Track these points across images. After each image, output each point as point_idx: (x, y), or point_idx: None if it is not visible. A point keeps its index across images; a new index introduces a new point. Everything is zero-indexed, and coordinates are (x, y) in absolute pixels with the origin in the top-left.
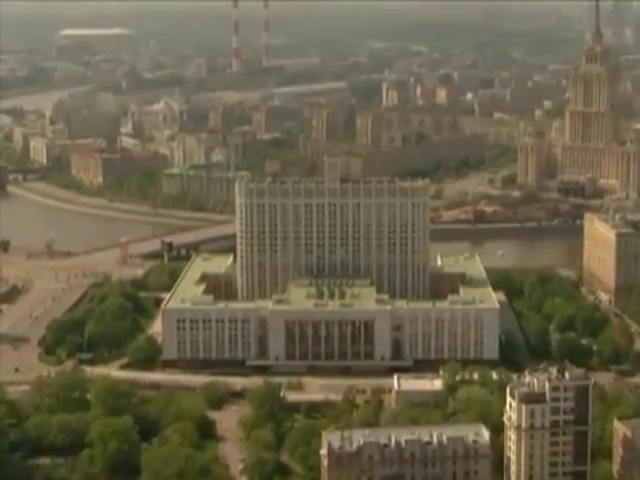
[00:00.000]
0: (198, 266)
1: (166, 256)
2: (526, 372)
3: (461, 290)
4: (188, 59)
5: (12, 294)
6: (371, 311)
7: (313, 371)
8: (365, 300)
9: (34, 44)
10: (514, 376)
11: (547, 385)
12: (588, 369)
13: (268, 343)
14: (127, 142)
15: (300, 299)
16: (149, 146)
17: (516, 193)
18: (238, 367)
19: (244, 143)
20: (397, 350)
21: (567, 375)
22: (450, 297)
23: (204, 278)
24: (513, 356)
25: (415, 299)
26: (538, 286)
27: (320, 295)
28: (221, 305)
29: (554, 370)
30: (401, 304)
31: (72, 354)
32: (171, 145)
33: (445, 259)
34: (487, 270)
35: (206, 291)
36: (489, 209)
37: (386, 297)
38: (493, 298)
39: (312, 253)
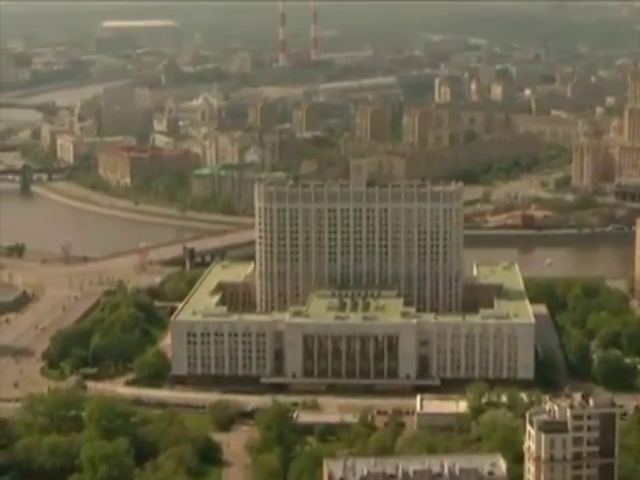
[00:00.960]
0: (216, 274)
1: (188, 263)
2: (546, 397)
3: (496, 303)
4: (233, 53)
5: (21, 302)
6: (395, 325)
7: (333, 390)
8: (390, 313)
9: (73, 37)
10: (546, 398)
11: (569, 413)
12: (632, 391)
13: (285, 359)
14: (160, 140)
15: (320, 311)
16: (182, 145)
17: (570, 197)
18: (252, 385)
19: (281, 142)
20: (423, 368)
21: (592, 402)
22: (482, 311)
23: (220, 288)
24: (550, 376)
25: (446, 312)
26: (583, 298)
27: (342, 307)
28: (235, 317)
29: (578, 396)
30: (428, 318)
31: (77, 368)
32: (203, 144)
33: (481, 269)
34: (531, 280)
35: (222, 302)
36: (539, 214)
37: (412, 310)
38: (529, 312)
39: (336, 262)
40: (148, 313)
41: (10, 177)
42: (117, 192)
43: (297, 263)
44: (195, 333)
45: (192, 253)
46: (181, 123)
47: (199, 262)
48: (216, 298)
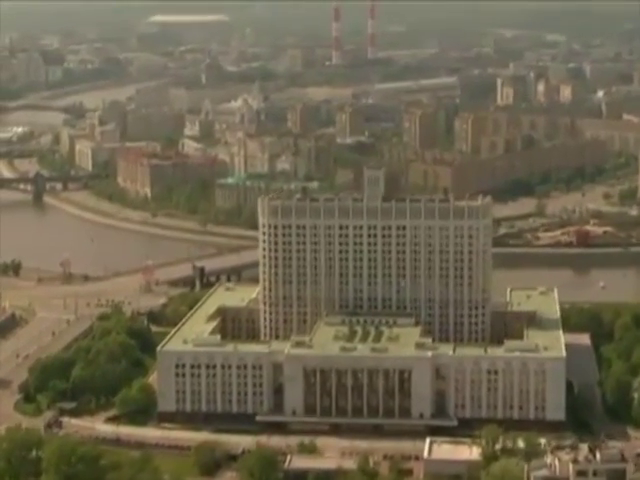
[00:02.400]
0: (218, 298)
1: (198, 283)
2: (549, 448)
3: (525, 333)
4: (284, 50)
5: (7, 326)
6: (408, 358)
7: (337, 430)
8: (403, 344)
9: (113, 33)
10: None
11: (572, 468)
12: None
13: (284, 395)
14: (189, 146)
15: (325, 341)
16: (212, 151)
17: (635, 211)
18: (247, 423)
19: (317, 148)
20: (440, 407)
21: (599, 455)
22: (507, 342)
23: (220, 313)
24: (586, 417)
25: (472, 343)
26: (632, 328)
27: (351, 337)
28: (229, 347)
29: (585, 448)
30: (445, 350)
31: (55, 402)
32: (231, 150)
33: (516, 294)
34: (575, 306)
35: (221, 329)
36: (598, 230)
37: (428, 341)
38: (561, 344)
39: (348, 285)
40: (143, 340)
41: (21, 186)
42: (135, 203)
43: (304, 286)
44: (184, 364)
45: (202, 272)
46: (217, 127)
47: (210, 282)
48: (212, 325)
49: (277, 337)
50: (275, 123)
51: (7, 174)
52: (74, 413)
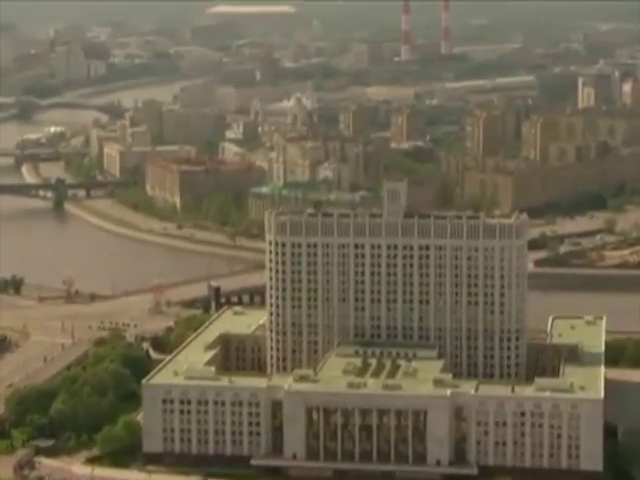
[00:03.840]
0: (222, 323)
1: (213, 304)
2: None
3: (562, 370)
4: (351, 45)
5: None
6: (423, 396)
7: (342, 477)
8: (421, 380)
9: (168, 24)
10: None
11: None
12: None
13: (283, 436)
14: (229, 150)
15: (332, 376)
16: (252, 156)
17: None
18: (242, 467)
19: (366, 154)
20: (458, 452)
21: None
22: (537, 380)
23: (222, 341)
24: (629, 468)
25: (504, 380)
26: None
27: (363, 371)
28: (223, 381)
29: None
30: (467, 388)
31: (32, 439)
32: (270, 156)
33: (559, 323)
34: (635, 337)
35: (222, 359)
36: None
37: (448, 377)
38: (599, 384)
39: (364, 311)
40: (139, 369)
41: (41, 193)
42: (162, 213)
43: (315, 312)
44: (172, 400)
45: (218, 293)
46: (266, 129)
47: (231, 304)
48: (210, 354)
49: (284, 369)
50: (328, 125)
51: (29, 179)
52: (50, 452)
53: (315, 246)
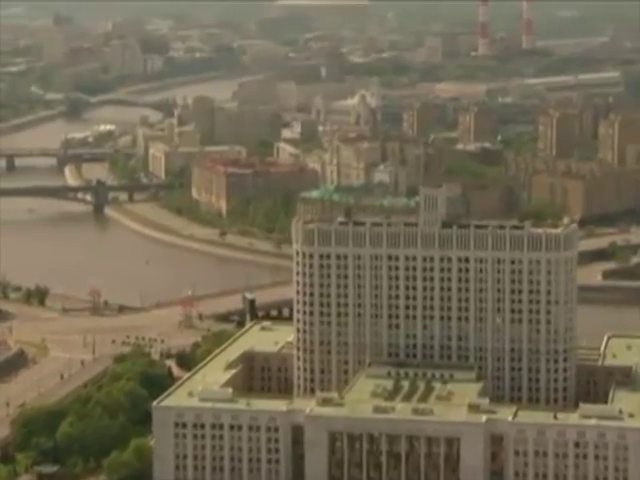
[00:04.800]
0: (248, 340)
1: (248, 317)
2: None
3: (612, 395)
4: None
5: (11, 367)
6: (456, 423)
7: None
8: (455, 404)
9: (233, 16)
10: None
11: None
12: None
13: (304, 464)
14: (284, 151)
15: (360, 399)
16: (308, 157)
17: None
18: None
19: (427, 156)
20: None
21: None
22: (582, 407)
23: (245, 359)
24: None
25: (549, 405)
26: None
27: (394, 393)
28: (240, 403)
29: None
30: (504, 414)
31: (37, 464)
32: (323, 158)
33: (615, 342)
34: None
35: (245, 379)
36: None
37: (485, 401)
38: None
39: (398, 329)
40: (160, 389)
41: (79, 196)
42: (206, 218)
43: (346, 329)
44: (185, 424)
45: (253, 305)
46: (327, 128)
47: (270, 317)
48: (230, 374)
49: (312, 391)
50: (392, 125)
51: (71, 181)
52: (54, 479)
53: (345, 257)
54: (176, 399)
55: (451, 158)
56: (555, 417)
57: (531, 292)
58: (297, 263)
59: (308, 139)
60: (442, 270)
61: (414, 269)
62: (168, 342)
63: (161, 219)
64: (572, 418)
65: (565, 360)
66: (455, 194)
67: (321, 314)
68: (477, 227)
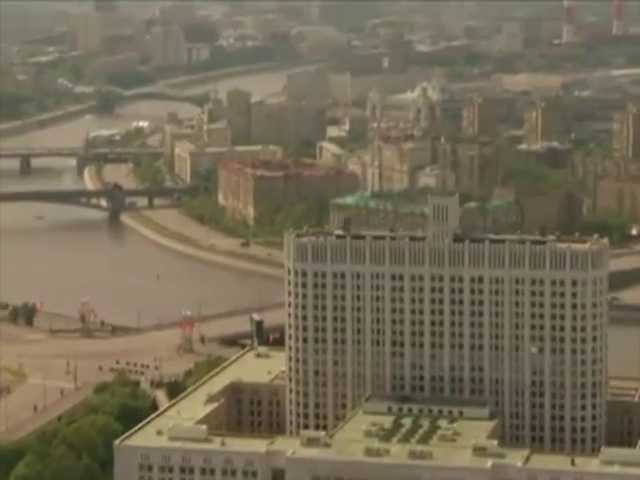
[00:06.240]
0: (239, 369)
1: (255, 341)
2: None
3: None
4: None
5: None
6: (457, 469)
7: None
8: (460, 446)
9: (292, 1)
10: None
11: None
12: None
13: None
14: (328, 151)
15: (351, 439)
16: (350, 159)
17: None
18: None
19: (483, 157)
20: None
21: None
22: (604, 451)
23: (231, 391)
24: None
25: (579, 446)
26: None
27: (391, 433)
28: (214, 443)
29: None
30: (515, 458)
31: None
32: (363, 160)
33: None
34: None
35: (229, 414)
36: None
37: (493, 443)
38: None
39: (403, 358)
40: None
41: (93, 201)
42: (231, 227)
43: (343, 358)
44: (151, 466)
45: (260, 327)
46: (383, 125)
47: (275, 340)
48: (210, 409)
49: (306, 427)
50: (452, 122)
51: (89, 184)
52: None
53: (343, 276)
54: (143, 437)
55: (512, 160)
56: (573, 463)
57: (554, 317)
58: (288, 282)
59: (357, 138)
60: (453, 291)
61: (421, 290)
62: (163, 369)
63: (181, 227)
64: (592, 464)
65: (594, 395)
66: (505, 201)
67: (316, 341)
68: (492, 242)
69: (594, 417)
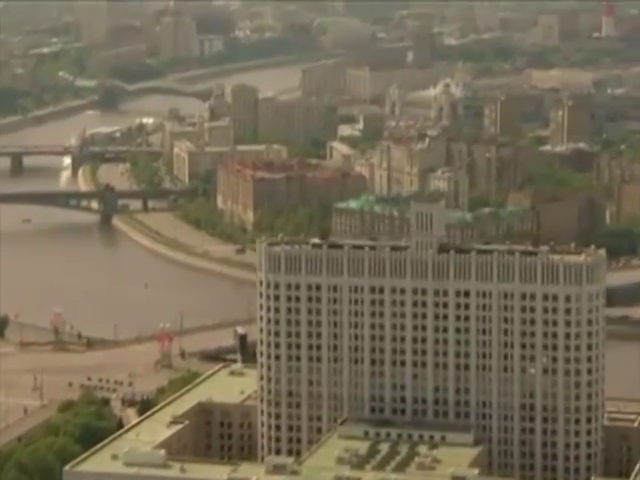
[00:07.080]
0: (210, 387)
1: (239, 356)
2: None
3: None
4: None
5: None
6: None
7: None
8: (437, 475)
9: None
10: None
11: None
12: None
13: None
14: (338, 151)
15: (320, 466)
16: (360, 160)
17: None
18: None
19: (500, 159)
20: None
21: None
22: None
23: (198, 412)
24: None
25: (572, 476)
26: None
27: (365, 459)
28: (173, 470)
29: None
30: None
31: None
32: (371, 161)
33: None
34: None
35: (197, 437)
36: None
37: (473, 473)
38: None
39: (383, 377)
40: None
41: (84, 204)
42: (228, 232)
43: (319, 377)
44: None
45: (244, 342)
46: (402, 124)
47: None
48: (172, 431)
49: (278, 452)
50: (475, 120)
51: (83, 185)
52: None
53: (319, 288)
54: (96, 462)
55: (534, 162)
56: None
57: (546, 335)
58: (260, 295)
59: (371, 137)
60: (437, 305)
61: (402, 304)
62: (136, 386)
63: (175, 232)
64: None
65: (589, 420)
66: (521, 208)
67: (289, 358)
68: (479, 252)
69: (589, 444)
